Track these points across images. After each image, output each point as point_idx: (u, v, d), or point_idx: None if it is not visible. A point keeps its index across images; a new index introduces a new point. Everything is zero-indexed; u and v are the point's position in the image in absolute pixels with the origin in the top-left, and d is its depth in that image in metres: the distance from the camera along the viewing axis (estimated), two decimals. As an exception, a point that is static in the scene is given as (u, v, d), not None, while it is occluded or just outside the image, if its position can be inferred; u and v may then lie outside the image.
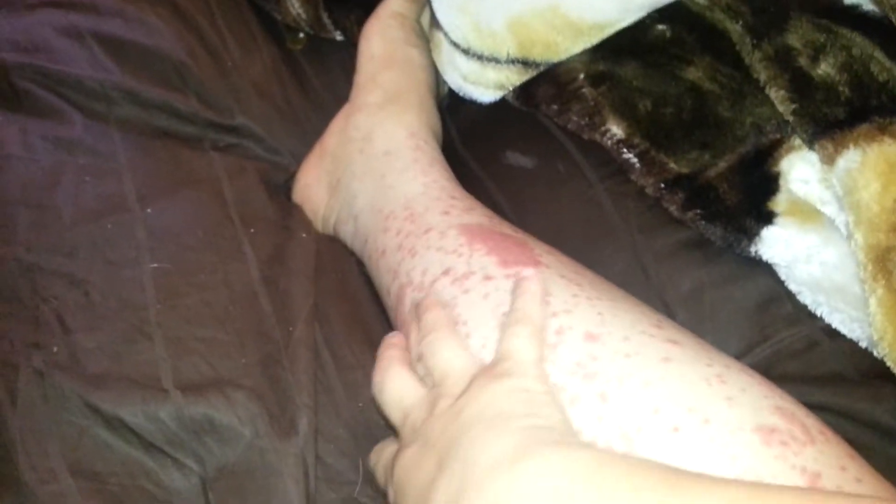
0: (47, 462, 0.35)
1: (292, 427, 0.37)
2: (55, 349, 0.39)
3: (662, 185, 0.46)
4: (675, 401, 0.30)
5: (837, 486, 0.27)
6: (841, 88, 0.40)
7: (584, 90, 0.50)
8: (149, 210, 0.47)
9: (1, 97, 0.53)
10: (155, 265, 0.45)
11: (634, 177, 0.47)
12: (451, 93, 0.56)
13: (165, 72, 0.57)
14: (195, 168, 0.52)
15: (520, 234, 0.41)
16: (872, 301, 0.36)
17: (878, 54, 0.40)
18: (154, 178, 0.50)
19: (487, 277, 0.37)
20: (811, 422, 0.30)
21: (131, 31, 0.58)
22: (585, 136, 0.50)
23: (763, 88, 0.44)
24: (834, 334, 0.40)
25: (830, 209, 0.40)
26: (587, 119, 0.50)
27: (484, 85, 0.53)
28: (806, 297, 0.41)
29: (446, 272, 0.39)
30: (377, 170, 0.47)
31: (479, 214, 0.43)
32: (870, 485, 0.28)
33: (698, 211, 0.44)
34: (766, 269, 0.43)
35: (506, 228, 0.42)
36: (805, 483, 0.27)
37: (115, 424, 0.37)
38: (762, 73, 0.44)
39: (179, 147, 0.54)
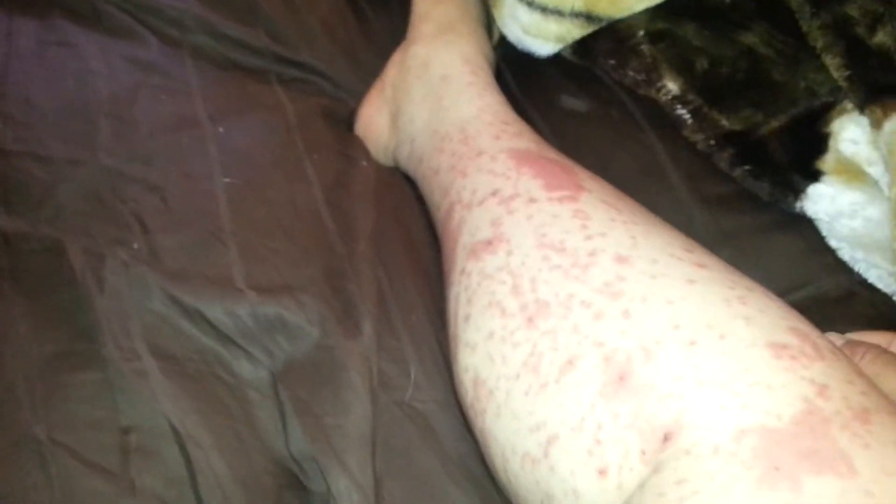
0: (130, 343, 0.38)
1: (357, 329, 0.40)
2: (136, 245, 0.42)
3: (713, 142, 0.48)
4: (695, 318, 0.31)
5: (844, 397, 0.28)
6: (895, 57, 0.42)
7: (642, 46, 0.52)
8: (220, 129, 0.50)
9: (83, 17, 0.56)
10: (227, 180, 0.47)
11: (686, 132, 0.49)
12: (506, 43, 0.58)
13: (237, 6, 0.59)
14: (262, 96, 0.55)
15: (566, 161, 0.43)
16: (909, 254, 0.39)
17: (935, 25, 0.42)
18: (224, 101, 0.53)
19: (532, 200, 0.39)
20: (823, 342, 0.31)
21: (205, -35, 0.60)
22: (640, 92, 0.52)
23: (818, 55, 0.46)
24: (870, 288, 0.42)
25: (876, 170, 0.43)
26: (643, 75, 0.52)
27: (544, 37, 0.55)
28: (845, 253, 0.43)
29: (494, 193, 0.41)
30: (434, 94, 0.49)
31: (528, 140, 0.44)
32: (874, 397, 0.29)
33: (747, 167, 0.47)
34: (808, 225, 0.45)
35: (552, 154, 0.43)
36: (813, 393, 0.28)
37: (194, 315, 0.39)
38: (819, 41, 0.45)
39: (247, 77, 0.57)
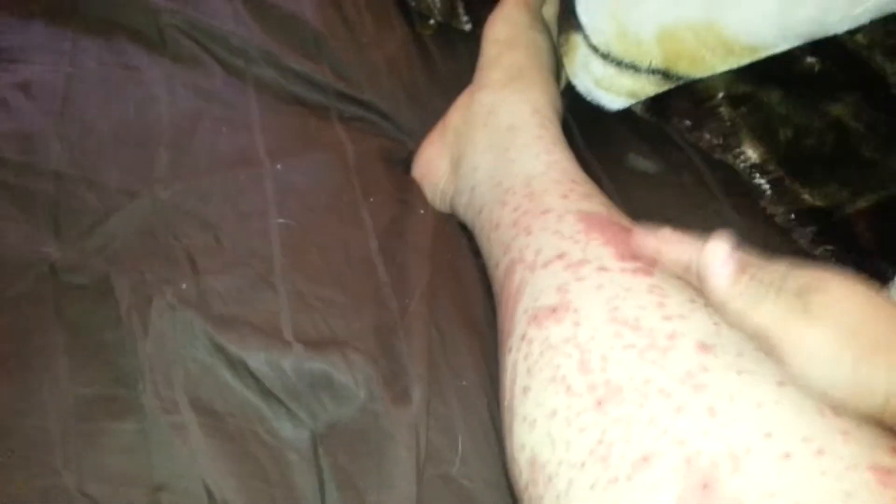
0: (171, 393, 0.36)
1: (406, 396, 0.38)
2: (184, 286, 0.41)
3: (793, 216, 0.45)
4: (789, 427, 0.29)
5: None
6: None
7: (721, 109, 0.49)
8: (278, 166, 0.49)
9: (148, 41, 0.55)
10: (281, 220, 0.46)
11: (764, 203, 0.47)
12: (573, 93, 0.56)
13: (303, 39, 0.58)
14: (322, 134, 0.53)
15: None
16: None
17: None
18: (284, 138, 0.52)
19: (602, 268, 0.37)
20: None
21: (274, -5, 0.60)
22: (716, 156, 0.49)
23: (916, 133, 0.43)
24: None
25: (978, 264, 0.40)
26: (721, 139, 0.49)
27: (615, 92, 0.53)
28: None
29: (560, 256, 0.38)
30: (500, 144, 0.47)
31: (597, 203, 0.42)
32: None
33: (829, 247, 0.44)
34: None
35: (624, 220, 0.41)
36: None
37: (238, 367, 0.38)
38: (918, 117, 0.43)
39: (308, 113, 0.55)
